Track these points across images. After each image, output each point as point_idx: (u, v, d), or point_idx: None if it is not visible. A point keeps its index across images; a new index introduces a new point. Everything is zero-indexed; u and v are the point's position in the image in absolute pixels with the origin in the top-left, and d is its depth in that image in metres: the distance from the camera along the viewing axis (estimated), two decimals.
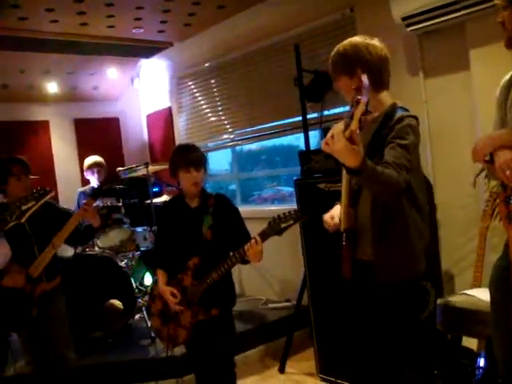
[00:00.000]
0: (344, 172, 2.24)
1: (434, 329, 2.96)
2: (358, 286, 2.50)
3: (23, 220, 2.13)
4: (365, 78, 1.96)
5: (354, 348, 2.68)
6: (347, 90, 2.34)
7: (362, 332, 2.56)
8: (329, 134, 2.00)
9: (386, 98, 2.39)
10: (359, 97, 1.90)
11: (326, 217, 2.59)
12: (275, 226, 2.71)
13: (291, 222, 2.70)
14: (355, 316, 2.60)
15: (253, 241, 2.74)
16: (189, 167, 2.97)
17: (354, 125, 1.91)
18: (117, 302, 4.44)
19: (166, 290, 3.00)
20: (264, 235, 2.74)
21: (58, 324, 3.33)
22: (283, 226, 2.70)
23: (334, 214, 2.57)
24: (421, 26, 3.62)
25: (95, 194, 3.61)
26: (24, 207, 2.13)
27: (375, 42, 2.40)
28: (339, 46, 2.41)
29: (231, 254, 2.85)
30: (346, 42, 2.41)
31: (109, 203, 4.92)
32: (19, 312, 3.17)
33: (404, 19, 3.63)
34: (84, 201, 5.00)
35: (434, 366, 3.03)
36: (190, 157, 3.01)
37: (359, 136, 1.93)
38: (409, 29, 3.68)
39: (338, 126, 1.99)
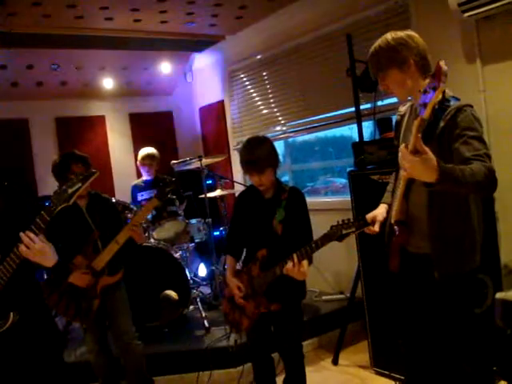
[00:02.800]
0: None
1: (493, 323, 2.88)
2: (410, 279, 2.47)
3: (71, 202, 2.17)
4: (443, 64, 1.81)
5: (408, 342, 2.64)
6: (399, 83, 2.30)
7: (416, 325, 2.52)
8: (400, 157, 1.95)
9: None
10: (437, 84, 1.79)
11: (368, 219, 2.58)
12: (337, 232, 2.66)
13: (353, 229, 2.63)
14: (409, 309, 2.56)
15: (289, 264, 2.71)
16: (250, 171, 2.90)
17: (427, 113, 1.82)
18: (172, 293, 4.52)
19: (232, 281, 3.02)
20: (323, 240, 2.68)
21: (122, 315, 3.45)
22: (344, 232, 2.65)
23: (377, 216, 2.56)
24: (478, 11, 3.50)
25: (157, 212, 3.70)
26: (70, 190, 2.16)
27: (410, 32, 2.34)
28: (378, 43, 2.33)
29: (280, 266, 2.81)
30: (383, 38, 2.33)
31: None
32: (81, 304, 3.28)
33: (460, 5, 3.52)
34: (141, 194, 5.18)
35: (493, 361, 2.95)
36: (252, 159, 2.87)
37: (420, 140, 1.85)
38: (465, 14, 3.57)
39: (402, 147, 1.93)
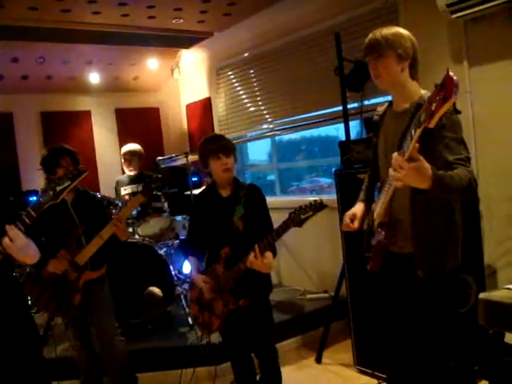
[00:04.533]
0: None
1: (476, 324, 2.90)
2: (392, 279, 2.49)
3: (58, 200, 2.16)
4: (453, 75, 1.79)
5: (391, 340, 2.65)
6: (391, 71, 2.31)
7: (400, 324, 2.53)
8: (391, 169, 1.99)
9: (416, 87, 2.35)
10: (448, 95, 1.77)
11: (347, 218, 2.61)
12: (296, 218, 2.71)
13: (310, 213, 2.70)
14: (393, 308, 2.58)
15: (251, 256, 2.75)
16: (218, 153, 2.99)
17: (433, 123, 1.83)
18: (156, 290, 4.50)
19: (198, 277, 3.05)
20: (283, 228, 2.73)
21: (105, 310, 3.43)
22: (303, 217, 2.70)
23: (356, 214, 2.60)
24: (466, 12, 3.51)
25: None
26: (59, 188, 2.16)
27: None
28: (384, 30, 2.34)
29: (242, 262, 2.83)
30: (390, 27, 2.35)
31: None
32: (63, 298, 3.26)
33: (449, 5, 3.54)
34: (125, 189, 5.15)
35: (476, 361, 2.97)
36: (219, 144, 3.03)
37: (416, 149, 1.89)
38: (454, 16, 3.58)
39: (395, 155, 1.97)
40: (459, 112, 2.17)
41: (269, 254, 2.78)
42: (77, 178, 2.19)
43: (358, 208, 2.65)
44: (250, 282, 2.91)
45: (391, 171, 2.01)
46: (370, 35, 2.37)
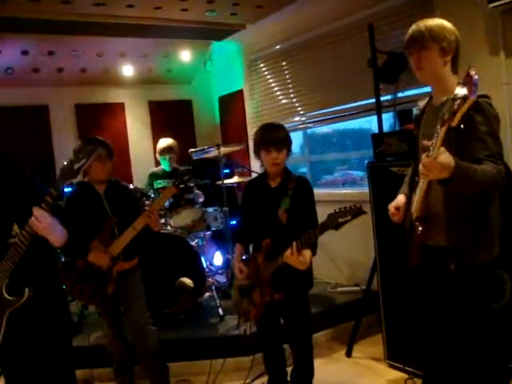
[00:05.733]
0: None
1: (510, 321, 2.85)
2: (428, 272, 2.48)
3: (77, 177, 2.25)
4: (474, 74, 1.85)
5: (423, 335, 2.63)
6: (433, 64, 2.30)
7: (432, 319, 2.52)
8: (421, 165, 2.03)
9: (456, 81, 2.32)
10: (468, 94, 1.83)
11: (392, 207, 2.58)
12: (334, 220, 2.68)
13: (349, 217, 2.66)
14: (425, 302, 2.56)
15: (288, 251, 2.74)
16: (269, 147, 2.95)
17: (456, 121, 1.86)
18: (187, 281, 4.54)
19: (236, 264, 3.09)
20: (321, 229, 2.71)
21: (137, 300, 3.48)
22: (341, 220, 2.67)
23: (399, 205, 2.57)
24: (504, 1, 3.43)
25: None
26: (76, 165, 2.23)
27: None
28: (428, 23, 2.32)
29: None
30: (434, 19, 2.34)
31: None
32: (96, 288, 3.31)
33: None
34: (159, 183, 5.20)
35: (509, 359, 2.92)
36: (271, 137, 2.98)
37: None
38: (491, 5, 3.51)
39: (424, 156, 2.00)
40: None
41: (306, 252, 2.76)
42: (92, 153, 2.26)
43: (401, 200, 2.62)
44: (288, 277, 2.90)
45: (421, 167, 2.03)
46: (414, 26, 2.35)
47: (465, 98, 1.82)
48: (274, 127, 3.06)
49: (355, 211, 2.66)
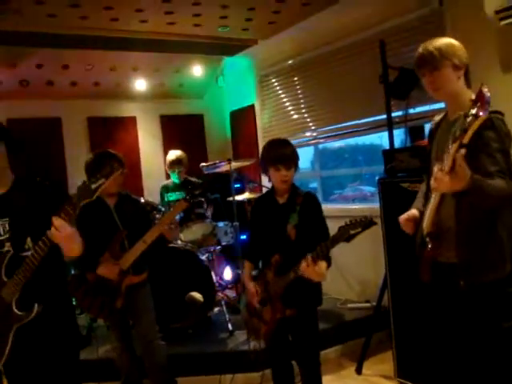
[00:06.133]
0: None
1: None
2: (439, 289, 2.46)
3: (94, 197, 2.19)
4: (487, 91, 1.86)
5: (434, 352, 2.60)
6: (448, 80, 2.31)
7: (442, 336, 2.50)
8: (432, 179, 2.08)
9: (470, 96, 2.32)
10: (479, 112, 1.84)
11: (402, 220, 2.56)
12: (344, 232, 2.65)
13: (359, 229, 2.63)
14: (436, 319, 2.54)
15: (303, 264, 2.71)
16: (278, 165, 2.93)
17: (467, 138, 1.88)
18: (197, 295, 4.53)
19: (248, 284, 3.06)
20: (332, 242, 2.69)
21: (146, 314, 3.47)
22: (352, 232, 2.64)
23: (411, 217, 2.55)
24: None
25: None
26: (94, 186, 2.18)
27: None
28: (436, 43, 2.33)
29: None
30: (442, 39, 2.35)
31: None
32: (105, 301, 3.31)
33: (498, 12, 3.48)
34: (170, 195, 5.22)
35: None
36: (280, 154, 2.95)
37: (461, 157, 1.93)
38: (502, 22, 3.51)
39: (436, 167, 2.03)
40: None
41: (322, 263, 2.73)
42: (111, 174, 2.21)
43: (412, 212, 2.58)
44: (299, 293, 2.88)
45: (432, 182, 2.06)
46: (421, 48, 2.36)
47: (476, 116, 1.83)
48: (281, 143, 3.04)
49: (365, 223, 2.64)
